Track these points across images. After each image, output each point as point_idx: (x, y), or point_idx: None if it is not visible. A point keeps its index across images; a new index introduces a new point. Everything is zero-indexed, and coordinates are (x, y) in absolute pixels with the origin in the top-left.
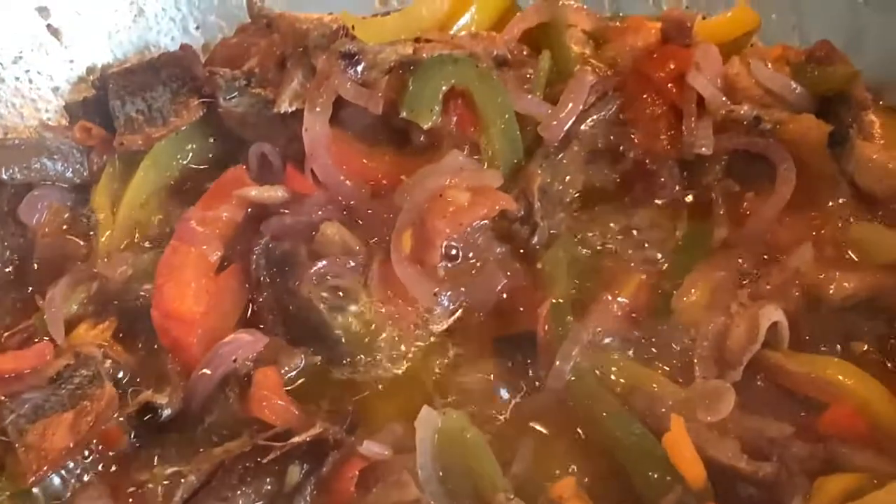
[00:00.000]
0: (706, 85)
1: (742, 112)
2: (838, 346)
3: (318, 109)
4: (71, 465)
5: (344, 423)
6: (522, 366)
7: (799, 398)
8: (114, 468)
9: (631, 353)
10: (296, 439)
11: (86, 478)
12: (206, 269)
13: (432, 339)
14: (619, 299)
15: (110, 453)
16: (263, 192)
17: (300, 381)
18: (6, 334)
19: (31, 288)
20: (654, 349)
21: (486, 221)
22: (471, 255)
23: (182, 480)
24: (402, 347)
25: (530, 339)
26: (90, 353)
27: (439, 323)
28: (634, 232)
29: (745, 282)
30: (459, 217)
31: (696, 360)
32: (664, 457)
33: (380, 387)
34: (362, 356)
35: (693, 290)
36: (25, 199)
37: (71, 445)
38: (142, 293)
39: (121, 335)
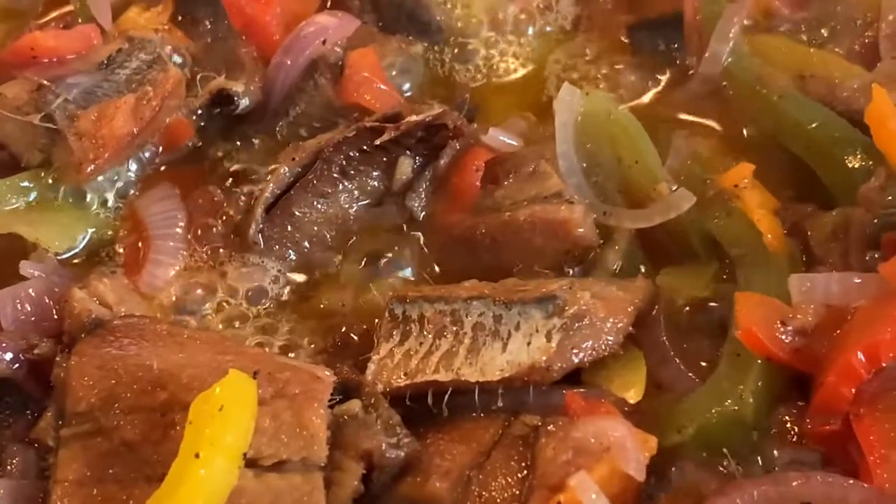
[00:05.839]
0: None
1: None
2: None
3: None
4: (133, 162)
5: (461, 113)
6: (665, 54)
7: None
8: (182, 168)
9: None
10: (413, 118)
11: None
12: None
13: (552, 28)
14: None
15: (176, 151)
16: None
17: (395, 76)
18: (37, 24)
19: None
20: (824, 32)
21: None
22: None
23: (268, 175)
24: (517, 38)
25: (673, 24)
26: (146, 37)
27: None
28: None
29: None
30: None
31: (879, 40)
32: (859, 139)
33: (493, 79)
34: (469, 45)
35: None
36: None
37: (135, 132)
38: None
39: (179, 19)
